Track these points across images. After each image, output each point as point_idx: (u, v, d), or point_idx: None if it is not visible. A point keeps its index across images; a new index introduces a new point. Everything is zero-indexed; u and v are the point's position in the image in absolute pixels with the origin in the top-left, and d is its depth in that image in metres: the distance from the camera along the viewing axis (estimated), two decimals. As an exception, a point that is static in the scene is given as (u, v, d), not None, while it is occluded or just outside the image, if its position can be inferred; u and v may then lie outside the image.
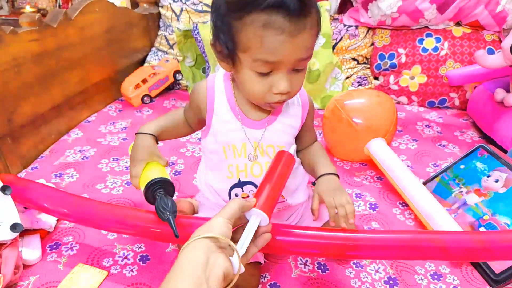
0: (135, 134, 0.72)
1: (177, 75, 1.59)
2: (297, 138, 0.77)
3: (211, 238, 0.50)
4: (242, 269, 0.53)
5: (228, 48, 0.61)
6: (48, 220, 0.84)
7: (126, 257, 0.79)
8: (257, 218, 0.58)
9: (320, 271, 0.79)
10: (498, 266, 0.77)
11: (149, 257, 0.80)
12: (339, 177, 0.71)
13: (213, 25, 0.62)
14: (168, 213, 0.63)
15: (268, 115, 0.71)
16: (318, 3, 1.37)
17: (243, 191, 0.74)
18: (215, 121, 0.71)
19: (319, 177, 0.72)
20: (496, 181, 0.88)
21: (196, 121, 0.75)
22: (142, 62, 1.69)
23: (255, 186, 0.74)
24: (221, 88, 0.71)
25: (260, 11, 0.55)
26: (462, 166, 0.98)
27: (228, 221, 0.53)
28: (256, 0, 0.54)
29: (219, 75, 0.72)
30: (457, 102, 1.53)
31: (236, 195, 0.75)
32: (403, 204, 0.98)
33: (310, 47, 0.60)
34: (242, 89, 0.66)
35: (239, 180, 0.73)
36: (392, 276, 0.78)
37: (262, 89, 0.62)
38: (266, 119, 0.71)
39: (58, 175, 1.05)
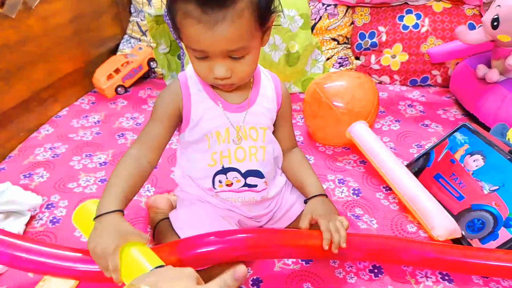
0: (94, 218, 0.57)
1: (151, 63, 1.53)
2: (275, 134, 0.76)
3: None
4: None
5: (174, 28, 0.61)
6: (15, 225, 0.79)
7: (100, 260, 0.75)
8: None
9: (303, 262, 0.77)
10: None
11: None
12: (328, 198, 0.74)
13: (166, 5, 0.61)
14: None
15: (248, 97, 0.70)
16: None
17: (227, 177, 0.72)
18: (195, 112, 0.68)
19: (311, 197, 0.73)
20: (474, 161, 0.86)
21: (168, 133, 0.69)
22: (114, 51, 1.61)
23: (239, 172, 0.72)
24: (194, 80, 0.69)
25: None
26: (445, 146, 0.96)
27: None
28: None
29: (188, 68, 0.70)
30: (439, 80, 1.51)
31: (220, 181, 0.72)
32: (387, 188, 0.96)
33: (236, 38, 0.57)
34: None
35: (223, 166, 0.71)
36: (377, 265, 0.76)
37: (204, 71, 0.62)
38: (246, 101, 0.70)
39: (27, 175, 1.00)
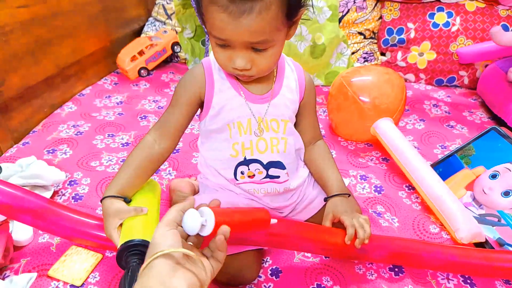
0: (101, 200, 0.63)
1: (175, 47, 1.52)
2: (298, 125, 0.75)
3: (163, 256, 0.45)
4: (216, 267, 0.50)
5: (199, 14, 0.60)
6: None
7: (121, 239, 0.76)
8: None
9: (322, 256, 0.76)
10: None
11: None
12: (350, 195, 0.73)
13: None
14: None
15: (271, 89, 0.69)
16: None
17: (249, 169, 0.72)
18: (217, 101, 0.67)
19: (333, 196, 0.72)
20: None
21: (187, 118, 0.69)
22: (138, 32, 1.61)
23: (261, 163, 0.71)
24: (218, 67, 0.67)
25: None
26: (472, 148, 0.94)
27: (168, 228, 0.47)
28: None
29: (212, 54, 0.69)
30: (466, 81, 1.47)
31: (242, 173, 0.72)
32: (410, 187, 0.95)
33: (260, 31, 0.56)
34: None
35: (245, 158, 0.71)
36: (398, 264, 0.75)
37: (224, 59, 0.61)
38: (269, 93, 0.69)
39: (51, 151, 1.01)
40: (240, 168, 0.72)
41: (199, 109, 0.71)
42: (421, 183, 0.88)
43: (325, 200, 0.74)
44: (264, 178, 0.72)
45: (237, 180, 0.72)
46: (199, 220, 0.48)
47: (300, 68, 0.74)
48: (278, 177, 0.73)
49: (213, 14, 0.55)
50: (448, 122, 1.25)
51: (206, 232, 0.48)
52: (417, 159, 0.92)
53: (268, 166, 0.72)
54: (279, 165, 0.72)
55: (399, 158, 0.94)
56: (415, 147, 1.11)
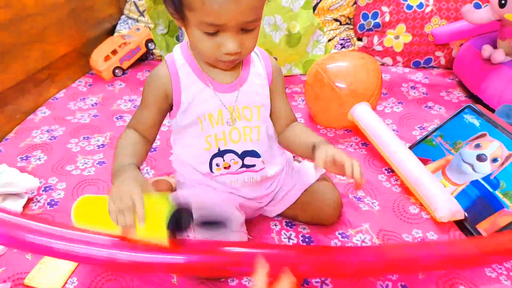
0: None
1: (149, 44, 1.49)
2: (272, 113, 0.74)
3: None
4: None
5: (175, 5, 0.58)
6: (13, 208, 0.78)
7: (99, 243, 0.74)
8: None
9: (304, 244, 0.76)
10: (485, 229, 0.75)
11: (124, 240, 0.75)
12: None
13: None
14: None
15: (238, 76, 0.68)
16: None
17: (224, 160, 0.71)
18: (185, 96, 0.66)
19: (316, 146, 0.64)
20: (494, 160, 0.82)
21: (159, 116, 0.68)
22: (111, 32, 1.58)
23: (235, 153, 0.71)
24: (182, 62, 0.66)
25: None
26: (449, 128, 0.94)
27: None
28: None
29: (176, 50, 0.68)
30: (443, 61, 1.48)
31: (217, 165, 0.71)
32: (389, 170, 0.95)
33: (257, 7, 0.56)
34: (193, 48, 0.65)
35: (219, 149, 0.70)
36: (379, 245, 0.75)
37: (211, 48, 0.59)
38: (237, 80, 0.68)
39: (24, 158, 0.98)
40: (215, 160, 0.71)
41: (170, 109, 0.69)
42: (399, 165, 0.88)
43: (313, 150, 0.65)
44: (240, 168, 0.72)
45: (213, 173, 0.72)
46: None
47: (265, 53, 0.73)
48: (254, 165, 0.72)
49: (211, 1, 0.53)
50: (426, 103, 1.25)
51: None
52: (395, 141, 0.92)
53: (243, 155, 0.71)
54: (253, 153, 0.72)
55: (377, 142, 0.94)
56: (394, 130, 1.11)
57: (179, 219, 0.52)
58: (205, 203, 0.70)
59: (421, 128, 1.12)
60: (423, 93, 1.31)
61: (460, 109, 0.95)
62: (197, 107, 0.67)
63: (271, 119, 0.74)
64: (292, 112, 0.76)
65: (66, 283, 0.67)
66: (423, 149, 0.96)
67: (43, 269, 0.68)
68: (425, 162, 0.91)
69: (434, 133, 0.97)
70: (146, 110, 0.67)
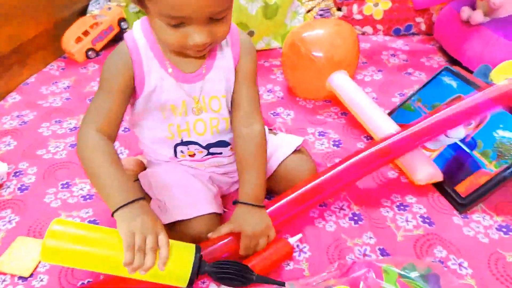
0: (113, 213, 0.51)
1: (122, 23, 1.44)
2: (233, 96, 0.66)
3: None
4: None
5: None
6: (-20, 194, 0.76)
7: (71, 224, 0.73)
8: None
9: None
10: (464, 190, 0.74)
11: (97, 222, 0.74)
12: (262, 208, 0.64)
13: None
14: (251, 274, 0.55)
15: (203, 63, 0.62)
16: None
17: (188, 149, 0.68)
18: (147, 83, 0.60)
19: (243, 203, 0.63)
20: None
21: (123, 106, 0.60)
22: (82, 12, 1.52)
23: (200, 145, 0.68)
24: (143, 43, 0.59)
25: None
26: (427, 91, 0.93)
27: None
28: None
29: (136, 28, 0.60)
30: (423, 27, 1.45)
31: (182, 152, 0.69)
32: (368, 138, 0.94)
33: None
34: (158, 38, 0.58)
35: (182, 140, 0.67)
36: (357, 212, 0.74)
37: (177, 40, 0.53)
38: (202, 68, 0.62)
39: (-6, 144, 0.95)
40: (179, 148, 0.68)
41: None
42: (377, 131, 0.86)
43: (234, 203, 0.65)
44: (206, 155, 0.70)
45: (177, 158, 0.69)
46: None
47: (234, 27, 0.64)
48: (220, 153, 0.70)
49: None
50: (406, 69, 1.23)
51: None
52: (372, 107, 0.90)
53: (208, 147, 0.69)
54: (221, 143, 0.69)
55: (354, 109, 0.93)
56: (373, 98, 1.09)
57: (205, 265, 0.53)
58: (173, 180, 0.68)
59: (401, 94, 1.11)
60: (403, 60, 1.29)
61: (437, 72, 0.94)
62: (158, 97, 0.61)
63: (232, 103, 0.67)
64: (256, 105, 0.67)
65: (37, 266, 0.65)
66: (402, 115, 0.95)
67: (14, 253, 0.66)
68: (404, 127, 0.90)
69: (413, 98, 0.95)
70: (109, 99, 0.58)
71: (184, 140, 0.66)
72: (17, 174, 0.85)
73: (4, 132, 1.00)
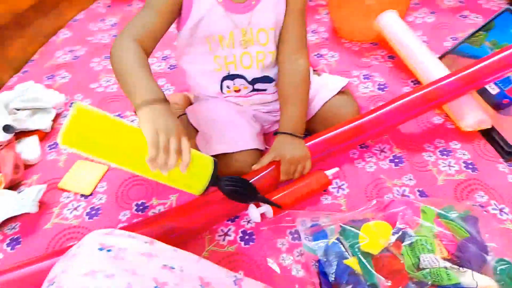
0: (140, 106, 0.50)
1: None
2: (281, 32, 0.66)
3: None
4: None
5: None
6: (42, 123, 0.82)
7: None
8: None
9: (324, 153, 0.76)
10: (510, 137, 0.72)
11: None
12: (301, 138, 0.67)
13: None
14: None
15: None
16: None
17: (234, 84, 0.70)
18: (196, 10, 0.61)
19: (282, 133, 0.67)
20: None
21: (163, 26, 0.61)
22: None
23: (246, 79, 0.69)
24: None
25: None
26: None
27: None
28: None
29: None
30: (485, -34, 1.32)
31: (228, 87, 0.70)
32: (415, 82, 0.91)
33: None
34: None
35: (229, 73, 0.68)
36: (398, 155, 0.75)
37: None
38: None
39: (50, 77, 1.01)
40: (226, 83, 0.70)
41: (178, 21, 0.65)
42: (425, 75, 0.84)
43: (275, 134, 0.69)
44: (251, 92, 0.71)
45: (223, 93, 0.71)
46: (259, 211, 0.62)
47: None
48: (265, 90, 0.71)
49: None
50: (461, 12, 1.15)
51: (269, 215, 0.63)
52: (422, 51, 0.87)
53: (253, 82, 0.69)
54: (265, 79, 0.70)
55: (402, 52, 0.89)
56: (424, 42, 1.04)
57: (218, 178, 0.53)
58: (218, 116, 0.71)
59: (453, 38, 1.05)
60: (459, 1, 1.20)
61: (498, 12, 0.87)
62: (206, 27, 0.62)
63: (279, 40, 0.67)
64: (303, 41, 0.68)
65: (96, 187, 0.72)
66: (467, 49, 0.89)
67: (76, 174, 0.73)
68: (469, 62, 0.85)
69: (475, 35, 0.89)
70: (152, 15, 0.59)
71: (230, 73, 0.68)
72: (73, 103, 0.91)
73: (58, 66, 1.05)
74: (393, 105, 0.71)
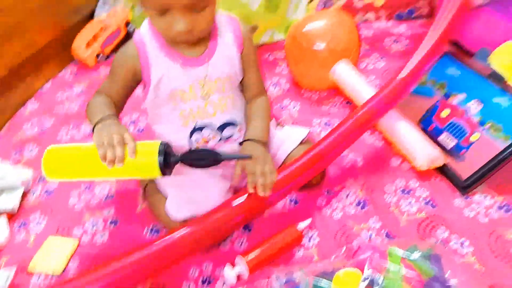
0: (93, 127, 0.60)
1: (129, 25, 1.48)
2: (242, 81, 0.75)
3: None
4: None
5: None
6: (10, 202, 0.82)
7: (95, 224, 0.79)
8: None
9: (293, 203, 0.79)
10: (464, 172, 0.77)
11: (118, 220, 0.79)
12: (265, 145, 0.70)
13: None
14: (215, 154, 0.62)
15: (206, 48, 0.68)
16: None
17: (202, 135, 0.73)
18: (155, 73, 0.67)
19: (245, 140, 0.71)
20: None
21: (127, 90, 0.70)
22: (90, 17, 1.56)
23: (213, 127, 0.72)
24: (149, 38, 0.67)
25: None
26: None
27: None
28: None
29: (143, 27, 0.68)
30: (425, 11, 1.45)
31: (197, 140, 0.73)
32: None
33: None
34: (153, 26, 0.65)
35: (196, 125, 0.72)
36: (362, 199, 0.78)
37: (164, 27, 0.60)
38: (206, 53, 0.68)
39: (18, 151, 1.02)
40: (194, 136, 0.73)
41: (143, 85, 0.70)
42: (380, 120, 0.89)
43: (240, 144, 0.73)
44: (219, 141, 0.74)
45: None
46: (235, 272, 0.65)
47: (235, 20, 0.73)
48: (231, 135, 0.75)
49: None
50: (408, 55, 1.24)
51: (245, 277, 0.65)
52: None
53: (220, 128, 0.73)
54: (231, 123, 0.74)
55: (357, 98, 0.95)
56: (377, 85, 1.11)
57: (168, 153, 0.59)
58: (187, 179, 0.73)
59: (404, 80, 1.12)
60: (406, 46, 1.30)
61: (439, 56, 0.95)
62: (167, 84, 0.68)
63: (241, 87, 0.75)
64: (261, 83, 0.77)
65: (67, 264, 0.71)
66: (415, 88, 0.95)
67: (45, 253, 0.73)
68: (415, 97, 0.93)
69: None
70: (114, 84, 0.69)
71: (197, 126, 0.71)
72: (42, 179, 0.91)
73: (27, 139, 1.06)
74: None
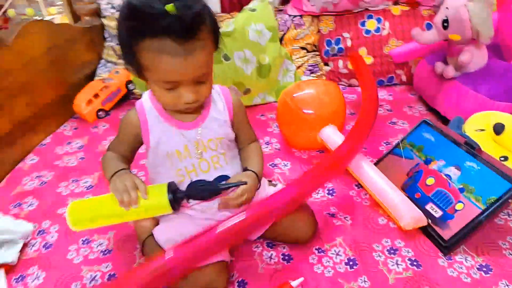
0: (110, 179, 0.71)
1: (129, 85, 1.58)
2: (236, 136, 0.84)
3: None
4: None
5: (135, 67, 0.67)
6: (8, 256, 0.83)
7: (94, 279, 0.80)
8: None
9: (285, 262, 0.83)
10: (446, 233, 0.83)
11: (116, 275, 0.81)
12: (258, 176, 0.80)
13: (120, 45, 0.68)
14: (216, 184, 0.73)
15: (199, 114, 0.77)
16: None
17: None
18: (153, 137, 0.76)
19: (248, 169, 0.81)
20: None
21: (133, 149, 0.79)
22: (92, 76, 1.66)
23: (207, 182, 0.77)
24: (149, 106, 0.76)
25: (152, 36, 0.61)
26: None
27: None
28: (148, 27, 0.61)
29: (144, 96, 0.78)
30: (404, 78, 1.59)
31: None
32: (359, 186, 1.03)
33: (204, 63, 0.67)
34: (157, 99, 0.73)
35: (191, 181, 0.77)
36: (352, 257, 0.82)
37: (172, 100, 0.69)
38: (199, 118, 0.77)
39: (17, 205, 1.04)
40: None
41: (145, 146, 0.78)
42: (365, 180, 0.96)
43: (244, 170, 0.82)
44: None
45: (189, 203, 0.79)
46: None
47: (226, 90, 0.82)
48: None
49: (162, 62, 0.63)
50: (390, 119, 1.35)
51: None
52: (359, 158, 1.00)
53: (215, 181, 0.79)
54: (224, 177, 0.80)
55: (344, 161, 1.03)
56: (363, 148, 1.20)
57: (174, 191, 0.70)
58: (184, 233, 0.76)
59: (386, 143, 1.22)
60: (388, 110, 1.41)
61: (416, 125, 1.05)
62: (164, 146, 0.76)
63: (235, 140, 0.85)
64: (252, 134, 0.88)
65: (65, 320, 0.72)
66: (397, 151, 1.04)
67: None
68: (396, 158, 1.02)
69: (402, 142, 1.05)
70: (121, 144, 0.78)
71: (193, 180, 0.77)
72: (41, 232, 0.93)
73: (26, 192, 1.08)
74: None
